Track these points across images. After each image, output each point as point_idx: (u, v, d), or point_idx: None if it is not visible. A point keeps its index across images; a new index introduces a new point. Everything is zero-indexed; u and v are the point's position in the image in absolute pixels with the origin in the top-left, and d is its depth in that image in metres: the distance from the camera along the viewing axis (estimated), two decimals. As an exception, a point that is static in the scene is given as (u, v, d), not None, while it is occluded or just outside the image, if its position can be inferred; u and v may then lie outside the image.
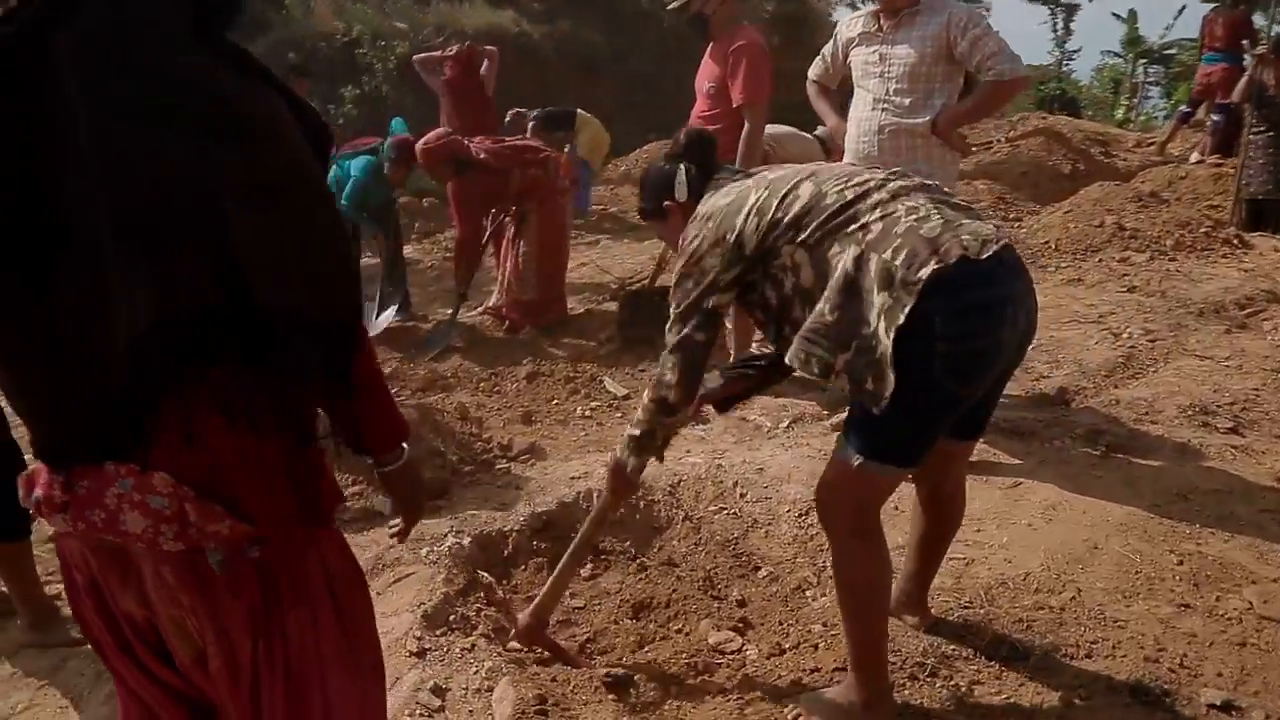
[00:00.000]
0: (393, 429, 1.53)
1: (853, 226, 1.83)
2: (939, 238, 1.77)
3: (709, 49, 4.02)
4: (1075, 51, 27.17)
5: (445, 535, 3.12)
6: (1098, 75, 24.90)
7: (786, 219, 1.91)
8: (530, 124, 8.40)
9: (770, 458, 3.44)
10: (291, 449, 1.34)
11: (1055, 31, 25.91)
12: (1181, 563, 2.62)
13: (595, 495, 3.31)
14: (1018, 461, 3.25)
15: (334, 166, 5.45)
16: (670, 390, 2.07)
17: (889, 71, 3.17)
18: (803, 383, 4.28)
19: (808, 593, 2.73)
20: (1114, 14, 25.04)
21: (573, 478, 3.49)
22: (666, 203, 2.22)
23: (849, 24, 3.30)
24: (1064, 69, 25.67)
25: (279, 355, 1.29)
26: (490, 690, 2.37)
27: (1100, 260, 5.84)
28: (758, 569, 2.94)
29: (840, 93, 3.61)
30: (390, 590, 2.90)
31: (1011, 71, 3.05)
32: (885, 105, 3.20)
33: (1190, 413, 3.61)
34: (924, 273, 1.71)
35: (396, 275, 5.85)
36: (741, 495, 3.24)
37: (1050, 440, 3.41)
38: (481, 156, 5.14)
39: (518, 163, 5.22)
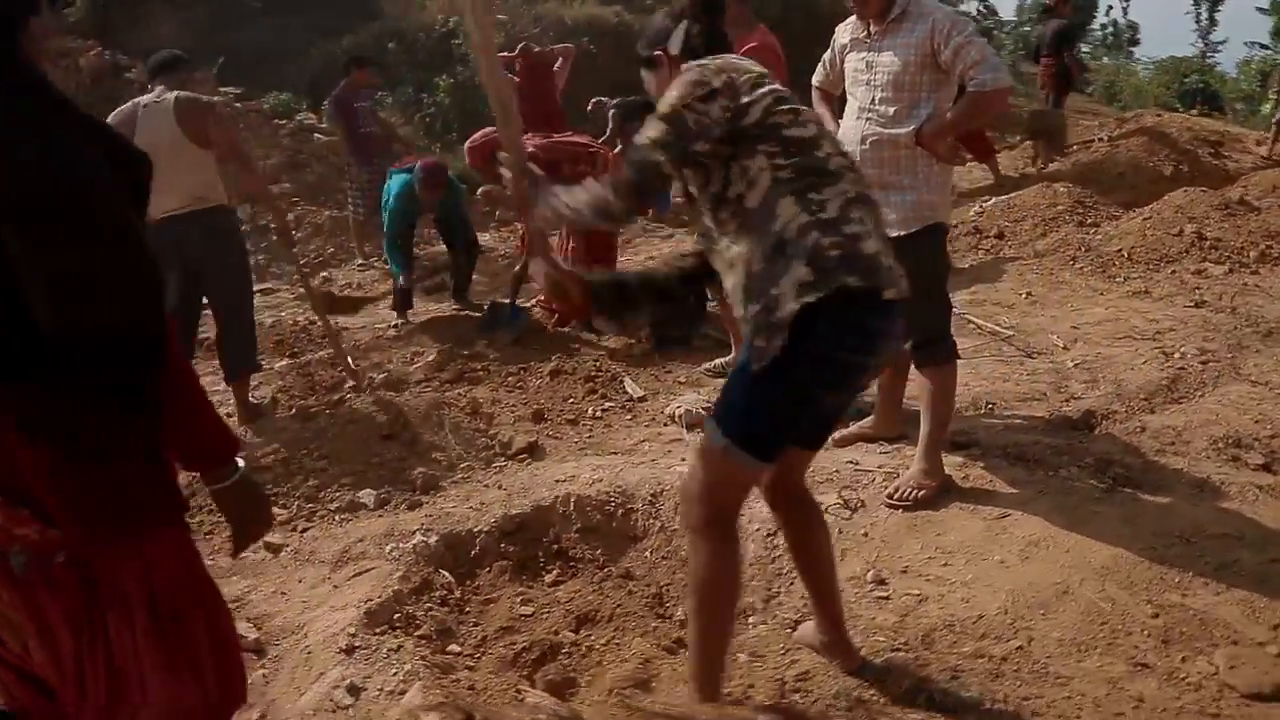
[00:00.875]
0: (216, 446, 1.54)
1: (813, 194, 1.87)
2: (873, 259, 1.88)
3: None
4: (1220, 43, 25.17)
5: (414, 533, 3.16)
6: (1243, 68, 23.11)
7: (786, 129, 1.91)
8: (610, 113, 8.42)
9: (754, 472, 3.33)
10: (93, 462, 1.38)
11: (1199, 23, 24.20)
12: (1156, 615, 2.40)
13: (573, 500, 3.29)
14: (1013, 490, 3.05)
15: (387, 180, 5.65)
16: (615, 197, 1.98)
17: (875, 79, 3.00)
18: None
19: (750, 619, 2.64)
20: (1258, 9, 23.16)
21: (558, 480, 3.47)
22: (658, 51, 2.15)
23: (843, 29, 3.15)
24: (1207, 61, 23.94)
25: (63, 373, 1.33)
26: (403, 693, 2.38)
27: (1173, 272, 5.42)
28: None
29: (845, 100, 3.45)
30: (349, 584, 2.96)
31: (993, 82, 2.82)
32: (870, 114, 3.03)
33: (1221, 445, 3.31)
34: (852, 280, 1.81)
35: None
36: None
37: (1056, 469, 3.18)
38: (529, 152, 5.18)
39: (566, 158, 5.27)
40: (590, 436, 4.03)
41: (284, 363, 5.38)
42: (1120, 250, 5.78)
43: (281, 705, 2.46)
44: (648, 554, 3.13)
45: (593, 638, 2.69)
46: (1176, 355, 4.17)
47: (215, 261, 4.04)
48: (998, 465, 3.22)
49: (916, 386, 3.97)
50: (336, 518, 3.44)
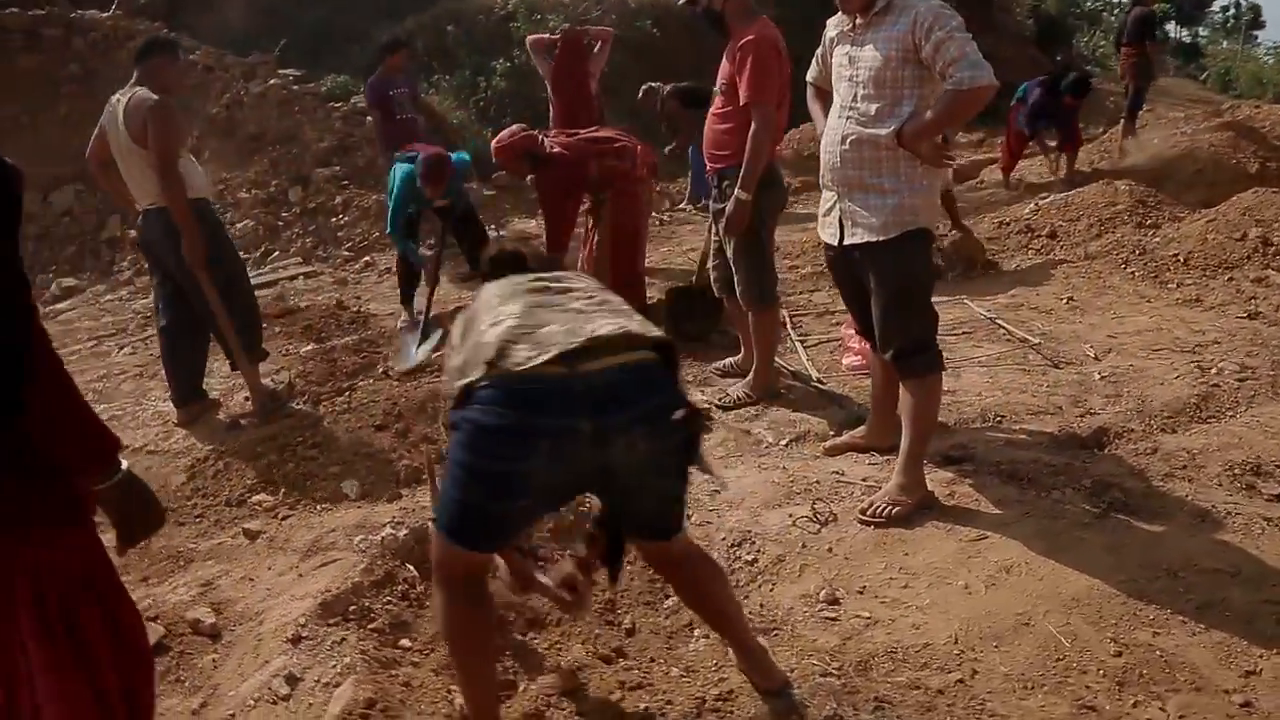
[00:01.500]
0: (96, 448, 1.56)
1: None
2: (507, 340, 1.72)
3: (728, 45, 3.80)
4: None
5: (385, 525, 3.17)
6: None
7: None
8: (660, 100, 8.29)
9: (737, 478, 3.25)
10: None
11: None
12: (1119, 654, 2.24)
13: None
14: (998, 511, 2.89)
15: (393, 166, 5.61)
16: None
17: (857, 75, 2.85)
18: (811, 402, 4.03)
19: (695, 631, 2.56)
20: None
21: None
22: None
23: (833, 22, 2.99)
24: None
25: None
26: (338, 685, 2.39)
27: (1231, 279, 5.06)
28: (667, 598, 2.79)
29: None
30: (314, 573, 2.99)
31: (971, 80, 2.63)
32: (850, 112, 2.87)
33: (1237, 471, 3.07)
34: (462, 382, 1.75)
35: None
36: (688, 516, 3.07)
37: (1049, 490, 3.00)
38: (555, 150, 5.12)
39: (593, 154, 5.17)
40: (584, 433, 3.98)
41: (310, 347, 5.48)
42: (1176, 255, 5.44)
43: (225, 691, 2.49)
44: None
45: (538, 641, 2.66)
46: (1213, 371, 3.89)
47: (178, 260, 4.08)
48: (988, 483, 3.06)
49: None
50: (318, 507, 3.48)
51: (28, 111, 9.79)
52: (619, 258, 5.33)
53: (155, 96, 4.09)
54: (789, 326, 5.05)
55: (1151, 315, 4.79)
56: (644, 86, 8.33)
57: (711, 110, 3.91)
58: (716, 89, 3.89)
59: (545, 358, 1.66)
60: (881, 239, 2.84)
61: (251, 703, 2.40)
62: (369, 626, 2.72)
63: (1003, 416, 3.67)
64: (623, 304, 1.93)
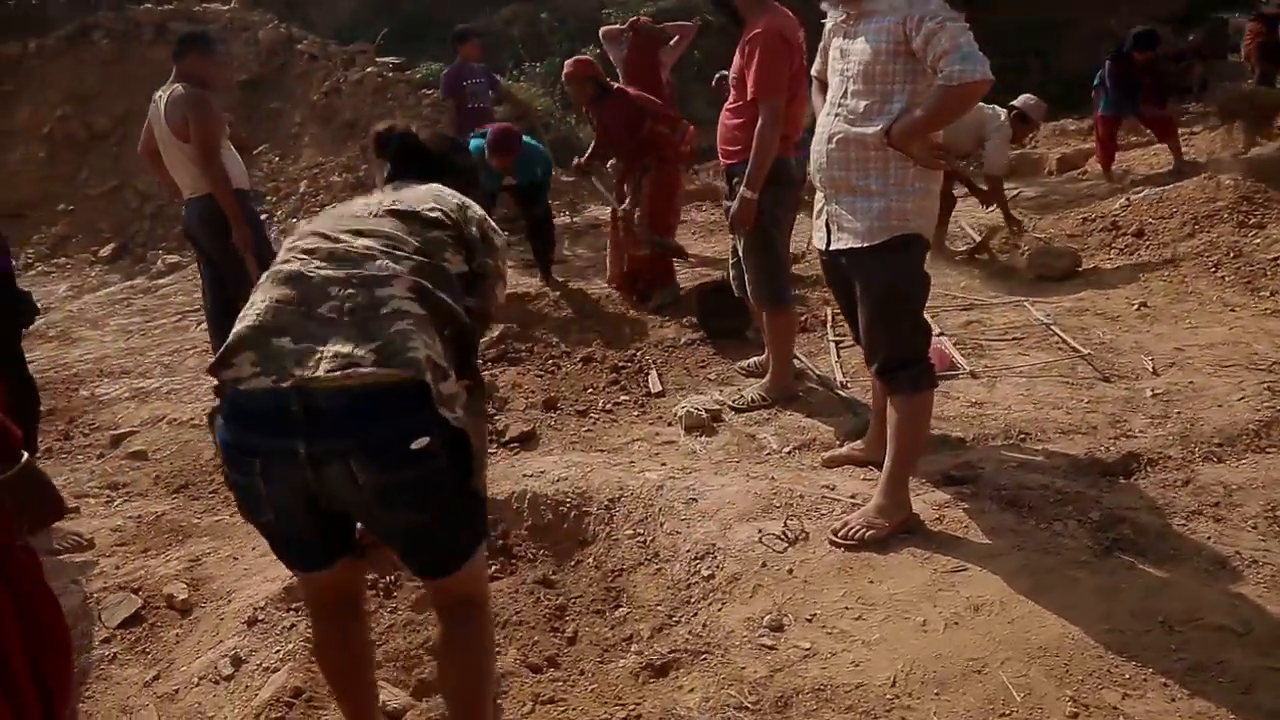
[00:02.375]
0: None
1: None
2: (237, 342, 1.59)
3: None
4: None
5: (366, 514, 3.20)
6: None
7: None
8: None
9: (719, 487, 3.12)
10: None
11: None
12: (1075, 716, 2.01)
13: (529, 497, 3.22)
14: (987, 541, 2.66)
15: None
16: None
17: (847, 69, 2.63)
18: (829, 408, 3.84)
19: (632, 646, 2.47)
20: None
21: (526, 474, 3.40)
22: None
23: (830, 12, 2.79)
24: None
25: None
26: (276, 671, 2.42)
27: (1337, 290, 4.53)
28: (617, 607, 2.71)
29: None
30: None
31: (960, 75, 2.38)
32: (838, 109, 2.67)
33: (1279, 514, 2.73)
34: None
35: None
36: (660, 524, 2.98)
37: (1052, 521, 2.75)
38: (619, 87, 5.49)
39: (651, 113, 5.30)
40: (589, 431, 3.91)
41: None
42: (1277, 259, 4.90)
43: (179, 666, 2.58)
44: (586, 561, 3.00)
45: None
46: (1285, 393, 3.48)
47: (214, 246, 4.26)
48: (985, 509, 2.82)
49: (959, 406, 3.62)
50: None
51: (151, 100, 10.41)
52: (653, 227, 5.45)
53: (193, 92, 4.27)
54: (829, 325, 4.83)
55: (1231, 326, 4.33)
56: (717, 75, 8.20)
57: (725, 105, 3.76)
58: (730, 82, 3.73)
59: (264, 384, 1.52)
60: (865, 245, 2.64)
61: (196, 680, 2.48)
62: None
63: (1027, 434, 3.39)
64: (388, 307, 1.59)
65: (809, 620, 2.40)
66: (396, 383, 1.51)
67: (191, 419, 4.58)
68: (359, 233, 1.69)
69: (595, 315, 5.45)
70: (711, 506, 2.99)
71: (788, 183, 3.70)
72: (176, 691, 2.42)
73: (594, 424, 3.99)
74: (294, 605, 2.70)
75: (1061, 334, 4.33)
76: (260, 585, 2.86)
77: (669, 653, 2.37)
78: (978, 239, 6.13)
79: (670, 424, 3.86)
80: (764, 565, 2.63)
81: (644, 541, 2.94)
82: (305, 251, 1.67)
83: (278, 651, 2.49)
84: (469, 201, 1.94)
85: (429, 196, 1.86)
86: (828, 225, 2.77)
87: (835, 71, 2.69)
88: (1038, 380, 3.89)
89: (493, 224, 1.93)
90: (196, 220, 4.49)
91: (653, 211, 5.41)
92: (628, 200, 5.51)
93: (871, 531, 2.67)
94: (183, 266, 8.54)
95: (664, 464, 3.44)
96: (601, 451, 3.66)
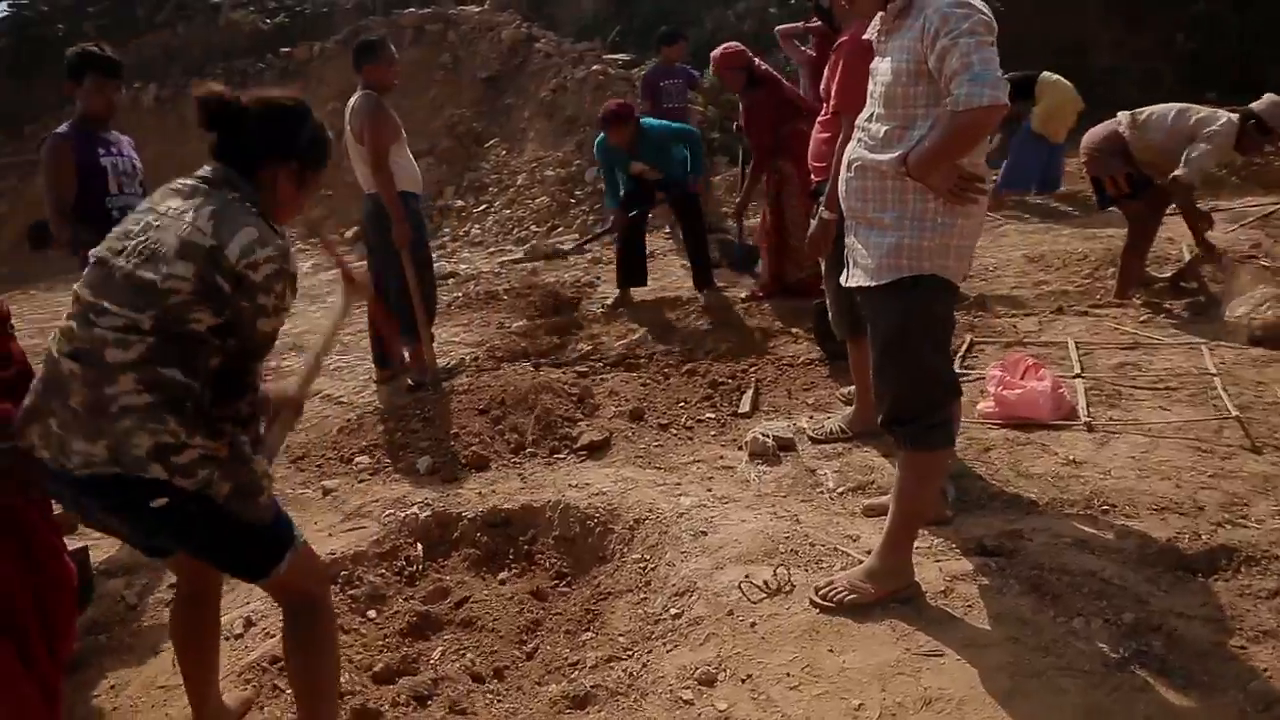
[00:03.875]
0: None
1: None
2: (27, 414, 1.83)
3: None
4: None
5: (414, 505, 3.42)
6: None
7: None
8: None
9: (737, 523, 3.00)
10: None
11: None
12: None
13: (561, 507, 3.28)
14: (984, 627, 2.35)
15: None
16: None
17: (874, 91, 2.38)
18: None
19: (572, 673, 2.46)
20: None
21: (570, 484, 3.47)
22: None
23: (871, 27, 2.53)
24: None
25: None
26: (272, 638, 2.66)
27: None
28: (586, 631, 2.70)
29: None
30: (340, 535, 3.33)
31: (967, 99, 2.07)
32: (861, 134, 2.41)
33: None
34: None
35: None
36: (664, 553, 2.93)
37: (1073, 615, 2.37)
38: (770, 73, 5.47)
39: (802, 112, 5.19)
40: (659, 446, 3.88)
41: (521, 323, 5.93)
42: None
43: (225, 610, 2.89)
44: (603, 578, 3.01)
45: (444, 645, 2.71)
46: None
47: (376, 240, 4.66)
48: (1004, 589, 2.50)
49: (1052, 463, 3.23)
50: (393, 476, 3.81)
51: (406, 97, 11.49)
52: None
53: (369, 98, 4.70)
54: (960, 352, 4.43)
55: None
56: None
57: (817, 118, 3.56)
58: (821, 93, 3.52)
59: (47, 458, 1.76)
60: (873, 284, 2.41)
61: (224, 632, 2.76)
62: (348, 592, 3.00)
63: (1112, 507, 2.93)
64: (115, 405, 1.70)
65: (743, 680, 2.27)
66: (114, 478, 1.71)
67: (341, 396, 5.08)
68: (102, 311, 1.75)
69: (732, 326, 5.36)
70: (716, 543, 2.88)
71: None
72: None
73: (668, 440, 3.95)
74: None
75: (1221, 389, 3.67)
76: (302, 558, 3.14)
77: (593, 687, 2.34)
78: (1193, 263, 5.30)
79: (740, 448, 3.74)
80: (730, 614, 2.50)
81: (644, 569, 2.91)
82: (67, 323, 1.81)
83: (280, 622, 2.74)
84: (229, 238, 1.77)
85: (177, 241, 1.77)
86: (847, 259, 2.56)
87: (869, 94, 2.46)
88: (1165, 442, 3.33)
89: (258, 257, 1.77)
90: (368, 216, 4.97)
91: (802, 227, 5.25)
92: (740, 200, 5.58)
93: (853, 596, 2.46)
94: None
95: (709, 490, 3.35)
96: (658, 469, 3.62)
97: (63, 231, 3.54)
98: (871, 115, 2.42)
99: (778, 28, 6.68)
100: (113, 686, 2.60)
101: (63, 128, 3.53)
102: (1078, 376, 3.94)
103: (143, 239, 1.81)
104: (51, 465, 1.75)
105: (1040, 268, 6.01)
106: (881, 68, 2.38)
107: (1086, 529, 2.81)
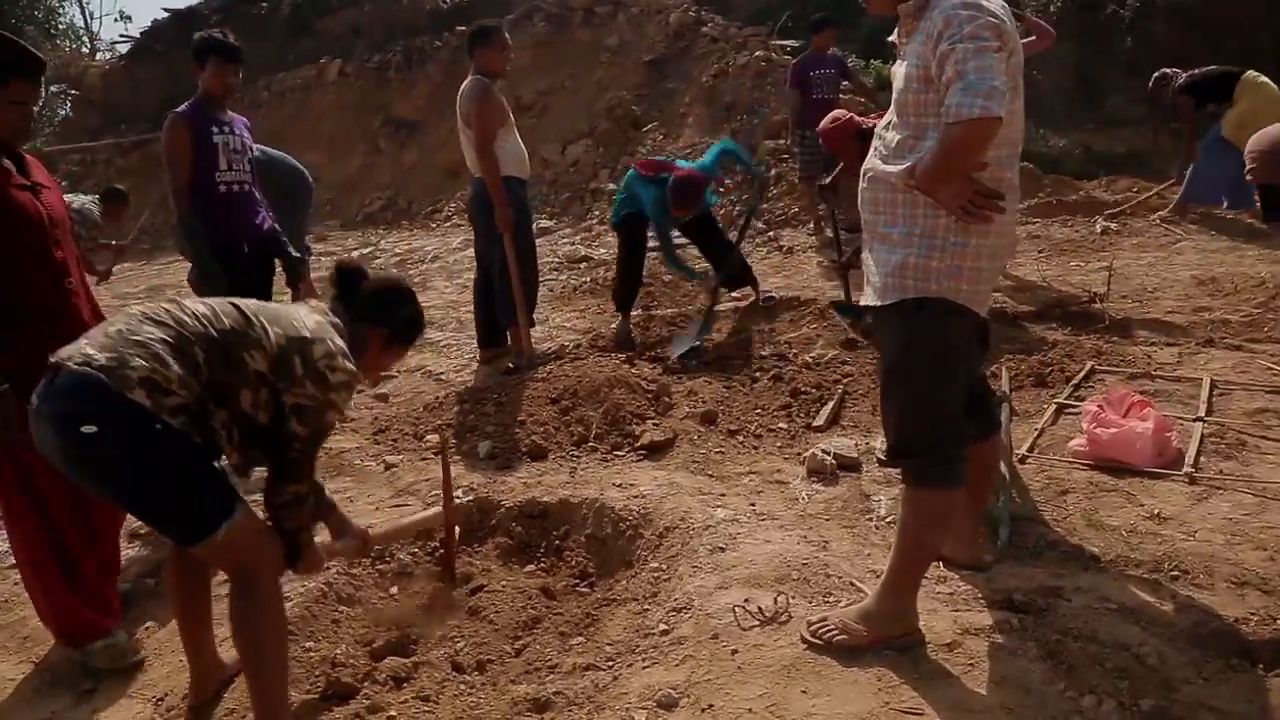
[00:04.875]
0: None
1: None
2: None
3: None
4: None
5: (460, 488, 3.49)
6: None
7: None
8: (1171, 92, 6.95)
9: (760, 542, 2.87)
10: None
11: None
12: None
13: (597, 507, 3.26)
14: (979, 691, 2.11)
15: (630, 185, 5.40)
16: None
17: (894, 97, 2.19)
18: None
19: (546, 676, 2.43)
20: None
21: (614, 483, 3.44)
22: None
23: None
24: None
25: None
26: (289, 601, 2.78)
27: None
28: (579, 636, 2.66)
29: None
30: (388, 510, 3.46)
31: (956, 110, 1.84)
32: (877, 142, 2.21)
33: None
34: None
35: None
36: (678, 566, 2.85)
37: (1086, 691, 2.09)
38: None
39: None
40: (720, 452, 3.76)
41: (637, 313, 5.88)
42: None
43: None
44: (624, 583, 2.97)
45: (443, 630, 2.74)
46: None
47: (480, 223, 4.78)
48: (1019, 651, 2.25)
49: (1133, 515, 2.91)
50: (454, 457, 3.90)
51: (572, 76, 11.77)
52: None
53: (478, 83, 4.83)
54: (1070, 383, 4.02)
55: None
56: (1156, 74, 7.04)
57: None
58: None
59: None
60: (877, 304, 2.23)
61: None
62: (376, 566, 3.11)
63: (1184, 574, 2.57)
64: (139, 336, 1.94)
65: (703, 710, 2.16)
66: (98, 380, 1.84)
67: (442, 372, 5.28)
68: (210, 309, 2.07)
69: (839, 332, 5.13)
70: (731, 561, 2.77)
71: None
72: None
73: (732, 447, 3.83)
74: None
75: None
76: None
77: (554, 694, 2.31)
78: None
79: (801, 463, 3.57)
80: (715, 637, 2.39)
81: (657, 579, 2.84)
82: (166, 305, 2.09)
83: (303, 588, 2.88)
84: (323, 342, 2.09)
85: (288, 320, 2.12)
86: (865, 276, 2.38)
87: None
88: (1277, 506, 2.89)
89: (338, 364, 2.08)
90: (472, 198, 5.13)
91: None
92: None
93: (843, 637, 2.29)
94: (551, 232, 9.63)
95: (751, 505, 3.23)
96: (709, 477, 3.53)
97: (180, 207, 3.84)
98: (888, 123, 2.22)
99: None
100: (147, 627, 2.83)
101: (182, 107, 3.82)
102: (1199, 420, 3.48)
103: (265, 305, 2.16)
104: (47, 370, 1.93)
105: (1208, 292, 5.38)
106: (898, 72, 2.18)
107: (1142, 595, 2.48)
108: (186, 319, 1.99)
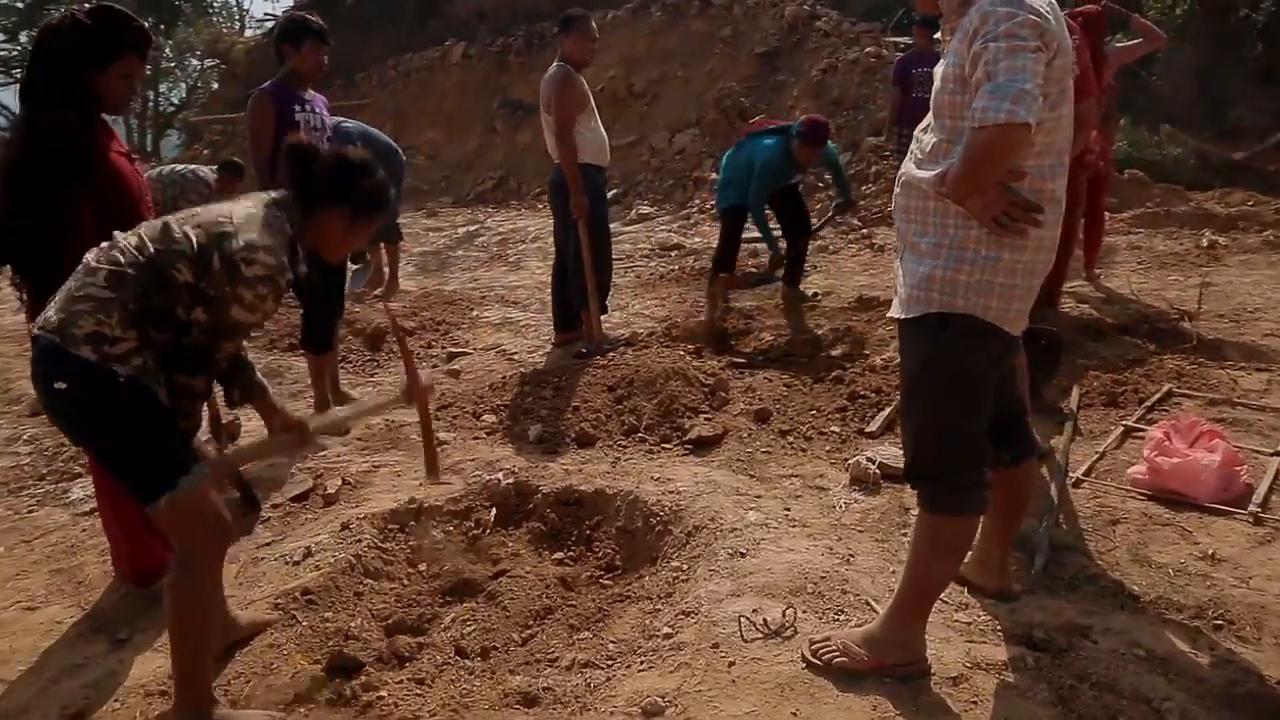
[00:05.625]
0: None
1: None
2: None
3: None
4: None
5: (502, 470, 3.55)
6: None
7: None
8: None
9: (782, 550, 2.81)
10: None
11: None
12: None
13: (630, 499, 3.26)
14: (984, 728, 2.03)
15: (743, 145, 5.55)
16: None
17: (931, 97, 2.07)
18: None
19: (542, 670, 2.45)
20: None
21: (653, 477, 3.43)
22: None
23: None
24: None
25: None
26: (318, 570, 2.91)
27: None
28: (586, 630, 2.66)
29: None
30: (427, 486, 3.53)
31: (981, 115, 1.72)
32: (915, 145, 2.10)
33: None
34: None
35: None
36: (697, 568, 2.82)
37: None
38: None
39: None
40: (766, 452, 3.69)
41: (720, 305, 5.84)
42: None
43: (287, 541, 3.19)
44: (646, 579, 2.96)
45: (457, 614, 2.79)
46: None
47: (556, 207, 4.83)
48: (1028, 693, 2.13)
49: (1185, 554, 2.74)
50: (504, 439, 3.97)
51: (685, 66, 11.72)
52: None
53: (560, 70, 4.87)
54: (1143, 405, 3.76)
55: None
56: None
57: None
58: None
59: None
60: (901, 317, 2.13)
61: (279, 556, 3.07)
62: (409, 543, 3.19)
63: (1228, 622, 2.37)
64: (82, 292, 2.02)
65: (686, 720, 2.13)
66: (50, 341, 2.00)
67: (515, 353, 5.37)
68: (135, 236, 2.12)
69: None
70: (749, 567, 2.72)
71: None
72: (263, 559, 3.07)
73: (780, 448, 3.75)
74: (388, 526, 3.18)
75: None
76: (383, 502, 3.38)
77: (544, 689, 2.32)
78: None
79: (846, 468, 3.47)
80: (715, 647, 2.36)
81: (674, 579, 2.81)
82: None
83: (333, 558, 2.98)
84: (243, 234, 2.07)
85: (211, 218, 2.12)
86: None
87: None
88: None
89: (256, 257, 2.05)
90: (550, 182, 5.20)
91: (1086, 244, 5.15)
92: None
93: (843, 659, 2.22)
94: (651, 218, 9.65)
95: (785, 510, 3.17)
96: (749, 477, 3.47)
97: (263, 180, 4.02)
98: (926, 125, 2.12)
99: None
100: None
101: (266, 85, 4.00)
102: (1277, 454, 3.21)
103: (201, 208, 2.20)
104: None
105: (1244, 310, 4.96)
106: (937, 71, 2.07)
107: (1177, 643, 2.31)
108: (119, 255, 2.06)
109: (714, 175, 10.37)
